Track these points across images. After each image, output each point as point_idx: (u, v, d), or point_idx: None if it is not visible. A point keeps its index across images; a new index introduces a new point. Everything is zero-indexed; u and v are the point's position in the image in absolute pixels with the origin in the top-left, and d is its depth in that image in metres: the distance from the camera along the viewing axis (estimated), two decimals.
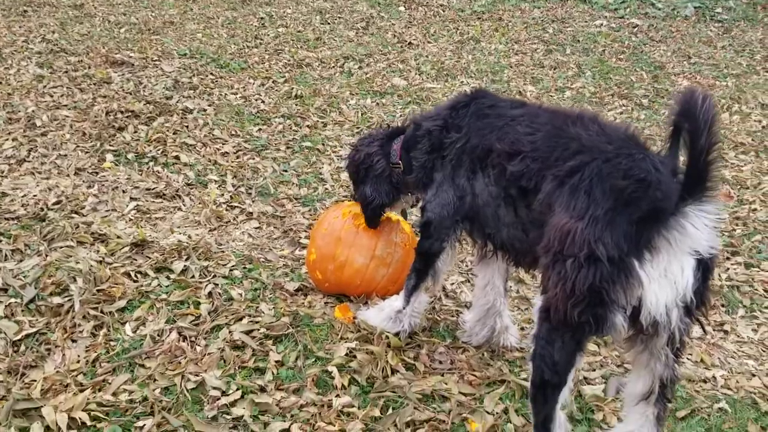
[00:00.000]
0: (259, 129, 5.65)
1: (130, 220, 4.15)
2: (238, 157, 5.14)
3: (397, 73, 7.40)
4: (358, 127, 5.81)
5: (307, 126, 5.79)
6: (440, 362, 3.14)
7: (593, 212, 2.08)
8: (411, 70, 7.47)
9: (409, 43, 8.63)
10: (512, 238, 2.67)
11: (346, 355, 3.06)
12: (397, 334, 3.18)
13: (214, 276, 3.61)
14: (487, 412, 2.80)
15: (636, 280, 2.00)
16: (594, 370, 3.16)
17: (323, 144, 5.45)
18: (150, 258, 3.70)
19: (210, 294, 3.46)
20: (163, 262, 3.67)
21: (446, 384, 2.95)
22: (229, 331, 3.16)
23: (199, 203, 4.47)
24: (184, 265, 3.63)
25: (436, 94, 6.70)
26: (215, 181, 4.76)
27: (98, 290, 3.34)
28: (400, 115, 6.16)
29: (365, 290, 3.45)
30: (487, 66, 7.77)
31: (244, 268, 3.75)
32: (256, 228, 4.30)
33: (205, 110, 5.87)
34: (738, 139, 5.92)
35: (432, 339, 3.27)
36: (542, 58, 8.19)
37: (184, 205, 4.44)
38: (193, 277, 3.58)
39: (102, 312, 3.22)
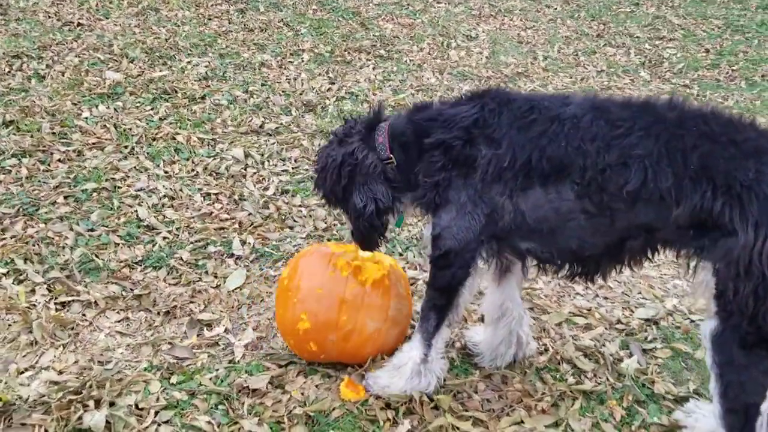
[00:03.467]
0: None
1: None
2: (5, 231, 3.65)
3: (99, 65, 6.02)
4: (125, 146, 4.61)
5: (59, 161, 4.38)
6: (488, 401, 2.77)
7: None
8: (117, 60, 6.15)
9: (78, 24, 7.07)
10: (585, 249, 2.40)
11: None
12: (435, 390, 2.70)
13: (155, 413, 2.57)
14: None
15: None
16: (604, 345, 3.14)
17: (108, 180, 4.19)
18: (37, 426, 2.46)
19: None
20: (65, 425, 2.47)
21: (525, 424, 2.62)
22: None
23: (10, 312, 3.09)
24: (106, 416, 2.50)
25: (175, 84, 5.65)
26: (3, 274, 3.33)
27: None
28: (161, 118, 5.06)
29: (371, 356, 2.83)
30: (198, 38, 6.83)
31: (173, 384, 2.75)
32: (120, 321, 3.16)
33: None
34: (484, 73, 6.34)
35: (461, 379, 2.85)
36: (243, 20, 7.50)
37: None
38: (128, 427, 2.49)
39: None
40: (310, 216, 4.01)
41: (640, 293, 3.56)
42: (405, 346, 2.76)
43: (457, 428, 2.57)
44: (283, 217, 3.98)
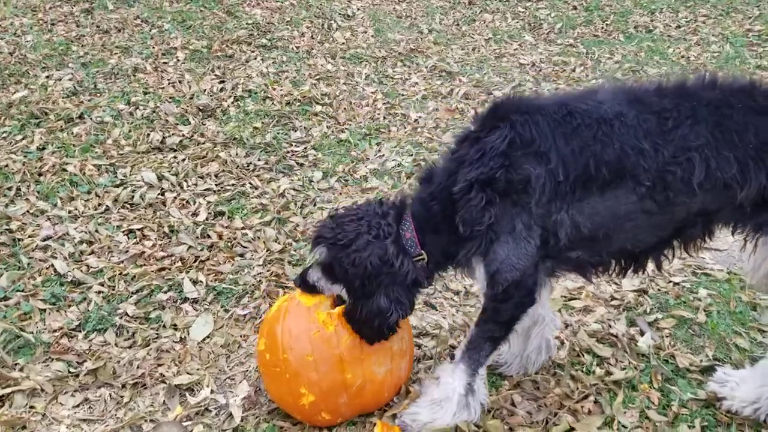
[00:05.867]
0: None
1: None
2: None
3: None
4: (8, 188, 3.86)
5: None
6: (530, 413, 2.58)
7: None
8: None
9: None
10: (639, 246, 2.25)
11: None
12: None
13: None
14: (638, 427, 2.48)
15: None
16: (611, 326, 3.05)
17: (2, 232, 3.47)
18: None
19: None
20: None
21: (577, 429, 2.47)
22: None
23: None
24: None
25: (42, 104, 4.85)
26: None
27: None
28: (39, 147, 4.31)
29: (392, 397, 2.54)
30: (48, 48, 5.94)
31: None
32: (79, 405, 2.62)
33: None
34: (378, 53, 6.06)
35: (494, 395, 2.63)
36: (93, 22, 6.65)
37: None
38: None
39: None
40: (259, 238, 3.58)
41: None
42: (445, 377, 2.47)
43: None
44: (229, 244, 3.52)
